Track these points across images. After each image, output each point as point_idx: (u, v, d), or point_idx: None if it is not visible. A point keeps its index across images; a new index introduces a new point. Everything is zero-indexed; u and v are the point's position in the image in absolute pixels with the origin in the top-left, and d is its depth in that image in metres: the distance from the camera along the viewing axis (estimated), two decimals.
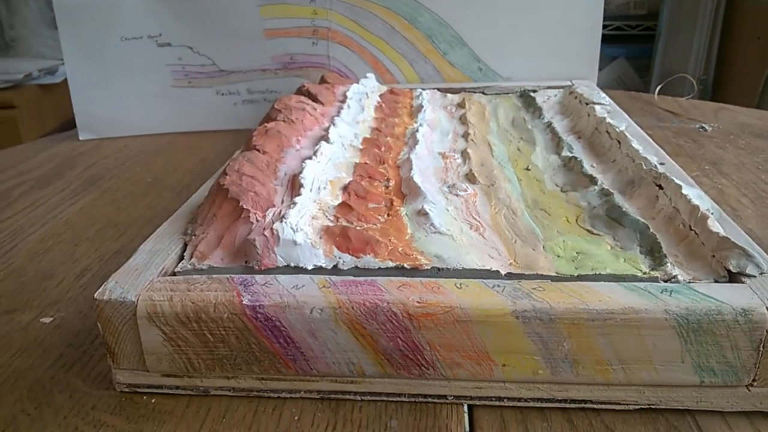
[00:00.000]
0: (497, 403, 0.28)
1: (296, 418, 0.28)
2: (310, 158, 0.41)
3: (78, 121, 0.72)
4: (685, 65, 1.72)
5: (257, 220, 0.33)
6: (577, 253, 0.31)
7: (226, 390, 0.29)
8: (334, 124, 0.48)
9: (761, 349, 0.26)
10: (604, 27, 0.72)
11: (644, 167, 0.38)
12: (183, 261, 0.32)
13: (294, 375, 0.28)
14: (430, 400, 0.28)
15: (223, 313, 0.27)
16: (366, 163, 0.43)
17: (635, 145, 0.41)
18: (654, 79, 1.79)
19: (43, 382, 0.31)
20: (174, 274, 0.31)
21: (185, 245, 0.33)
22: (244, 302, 0.27)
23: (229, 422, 0.28)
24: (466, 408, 0.28)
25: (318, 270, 0.30)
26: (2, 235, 0.48)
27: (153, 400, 0.29)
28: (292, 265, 0.30)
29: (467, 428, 0.27)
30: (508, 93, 0.65)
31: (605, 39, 0.73)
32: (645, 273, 0.29)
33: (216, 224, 0.34)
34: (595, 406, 0.27)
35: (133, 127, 0.72)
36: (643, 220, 0.33)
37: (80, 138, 0.73)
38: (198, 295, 0.28)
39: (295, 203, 0.34)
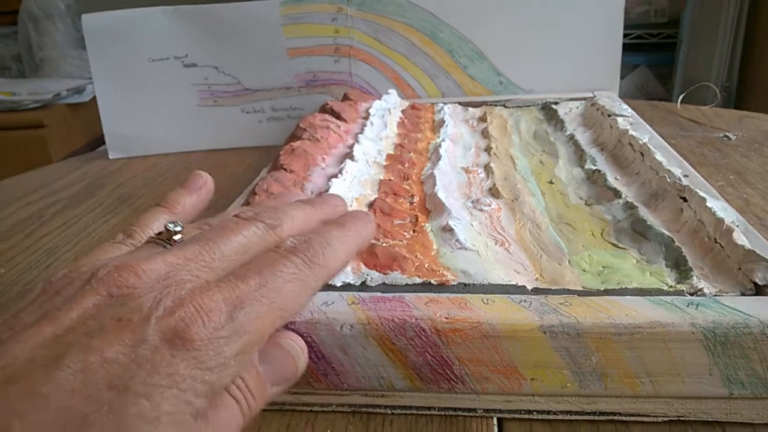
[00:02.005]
0: (526, 416, 0.28)
1: (328, 431, 0.28)
2: (335, 176, 0.41)
3: (107, 140, 0.74)
4: (707, 73, 1.70)
5: None
6: (602, 267, 0.31)
7: None
8: (358, 142, 0.49)
9: None
10: (625, 36, 0.72)
11: (668, 180, 0.38)
12: None
13: (325, 389, 0.29)
14: (460, 413, 0.29)
15: None
16: (390, 180, 0.44)
17: (659, 157, 0.42)
18: (676, 87, 1.77)
19: None
20: None
21: None
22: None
23: None
24: (495, 421, 0.28)
25: (347, 286, 0.31)
26: (38, 253, 0.49)
27: None
28: None
29: None
30: (529, 106, 0.66)
31: (626, 48, 0.73)
32: (671, 286, 0.29)
33: None
34: (624, 418, 0.28)
35: (161, 146, 0.74)
36: (668, 234, 0.33)
37: (110, 157, 0.74)
38: None
39: None
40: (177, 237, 0.23)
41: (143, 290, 0.18)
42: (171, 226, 0.23)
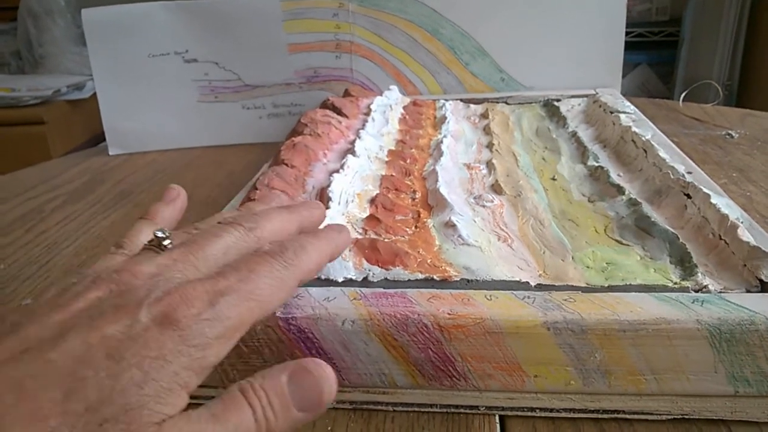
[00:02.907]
0: (529, 414, 0.28)
1: (329, 428, 0.28)
2: (337, 172, 0.41)
3: (108, 136, 0.74)
4: (709, 71, 1.70)
5: None
6: (606, 263, 0.31)
7: None
8: (359, 137, 0.49)
9: None
10: (626, 34, 0.72)
11: (671, 176, 0.38)
12: None
13: None
14: (462, 410, 0.28)
15: (257, 325, 0.28)
16: (392, 176, 0.43)
17: (662, 153, 0.41)
18: (677, 86, 1.77)
19: None
20: None
21: None
22: (277, 314, 0.28)
23: None
24: (498, 419, 0.28)
25: (348, 282, 0.30)
26: (39, 249, 0.49)
27: None
28: (323, 277, 0.31)
29: None
30: (531, 102, 0.65)
31: (627, 46, 0.72)
32: (676, 283, 0.29)
33: None
34: (628, 416, 0.27)
35: (161, 142, 0.74)
36: (672, 230, 0.33)
37: (110, 153, 0.74)
38: None
39: None
40: (166, 242, 0.26)
41: (138, 286, 0.22)
42: (159, 233, 0.26)
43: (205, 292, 0.21)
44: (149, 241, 0.26)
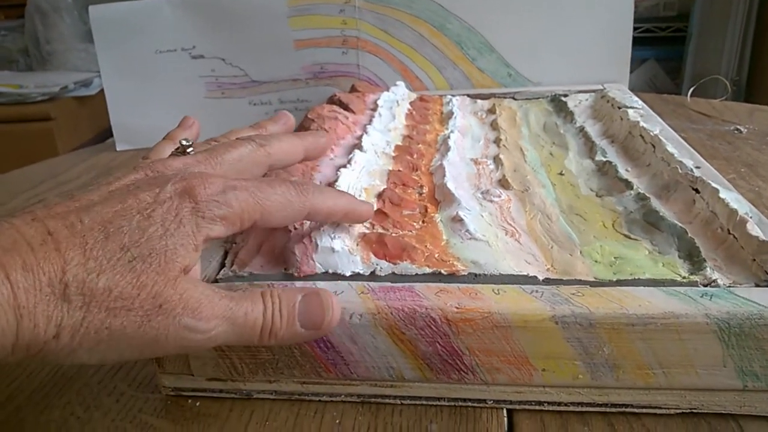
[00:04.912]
0: (537, 408, 0.28)
1: (337, 421, 0.28)
2: (344, 167, 0.41)
3: (115, 132, 0.74)
4: (717, 66, 1.69)
5: (295, 228, 0.33)
6: (614, 258, 0.31)
7: (269, 393, 0.30)
8: (366, 133, 0.49)
9: None
10: (634, 29, 0.71)
11: (680, 171, 0.38)
12: (224, 268, 0.32)
13: (334, 379, 0.29)
14: (469, 404, 0.28)
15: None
16: (399, 171, 0.43)
17: (670, 148, 0.41)
18: (685, 81, 1.76)
19: (90, 386, 0.32)
20: (216, 281, 0.32)
21: (226, 253, 0.34)
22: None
23: (272, 425, 0.28)
24: (505, 412, 0.28)
25: (356, 276, 0.31)
26: None
27: (197, 404, 0.30)
28: (331, 271, 0.31)
29: None
30: (538, 98, 0.65)
31: (634, 41, 0.72)
32: (684, 277, 0.29)
33: (255, 232, 0.34)
34: (636, 410, 0.27)
35: None
36: (680, 225, 0.33)
37: (117, 149, 0.74)
38: None
39: None
40: (189, 150, 0.31)
41: (168, 173, 0.27)
42: (184, 142, 0.31)
43: (221, 182, 0.26)
44: (176, 149, 0.31)
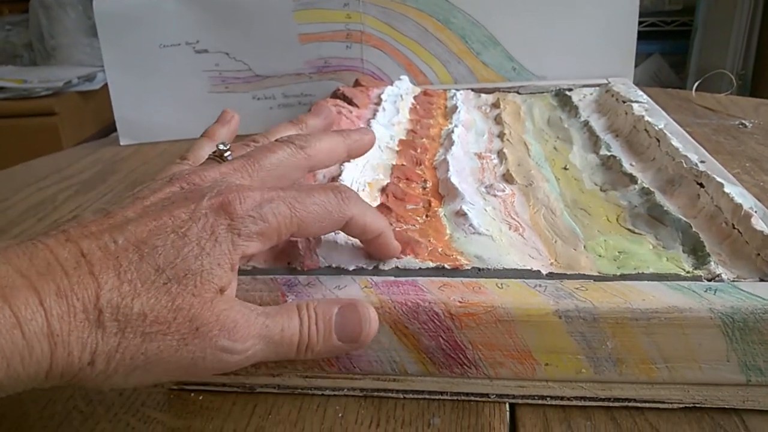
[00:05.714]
0: (540, 402, 0.28)
1: (340, 415, 0.28)
2: (348, 161, 0.41)
3: (119, 126, 0.74)
4: (722, 61, 1.68)
5: None
6: (618, 252, 0.31)
7: (271, 387, 0.30)
8: (370, 127, 0.49)
9: None
10: (639, 23, 0.71)
11: (684, 165, 0.38)
12: None
13: (337, 373, 0.29)
14: (472, 398, 0.28)
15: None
16: (403, 165, 0.43)
17: (675, 143, 0.41)
18: (690, 76, 1.75)
19: None
20: None
21: None
22: (288, 302, 0.28)
23: (275, 419, 0.28)
24: (508, 406, 0.28)
25: (359, 270, 0.31)
26: None
27: (200, 397, 0.30)
28: (334, 265, 0.31)
29: (509, 426, 0.27)
30: (542, 92, 0.65)
31: (639, 35, 0.72)
32: (688, 272, 0.29)
33: None
34: (639, 404, 0.27)
35: (172, 133, 0.74)
36: (685, 219, 0.32)
37: (121, 143, 0.74)
38: (243, 295, 0.28)
39: None
40: (227, 154, 0.30)
41: (204, 185, 0.26)
42: (221, 146, 0.30)
43: (258, 194, 0.25)
44: (213, 153, 0.30)
